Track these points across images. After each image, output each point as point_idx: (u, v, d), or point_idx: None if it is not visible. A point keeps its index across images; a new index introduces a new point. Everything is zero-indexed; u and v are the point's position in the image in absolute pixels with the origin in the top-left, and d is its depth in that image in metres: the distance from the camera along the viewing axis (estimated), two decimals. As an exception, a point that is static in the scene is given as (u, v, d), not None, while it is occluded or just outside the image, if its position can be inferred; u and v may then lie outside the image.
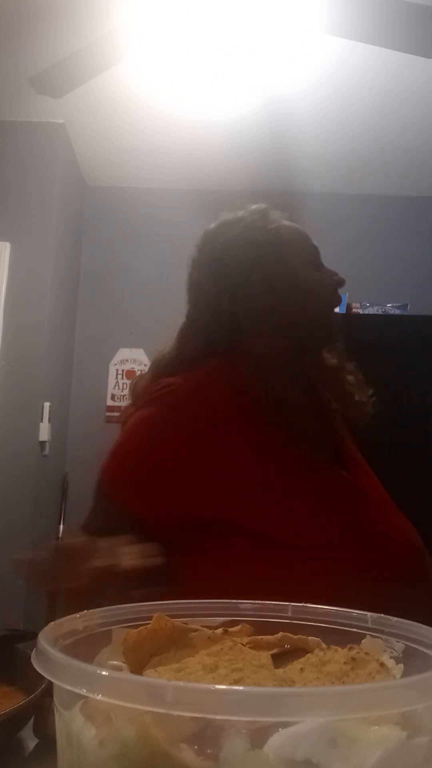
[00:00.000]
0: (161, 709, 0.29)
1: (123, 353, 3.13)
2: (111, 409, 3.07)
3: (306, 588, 0.57)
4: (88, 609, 0.43)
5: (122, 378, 3.11)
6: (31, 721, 0.61)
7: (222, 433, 0.93)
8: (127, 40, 1.83)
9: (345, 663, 0.37)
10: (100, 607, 0.44)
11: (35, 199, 2.75)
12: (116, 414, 3.06)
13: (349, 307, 2.75)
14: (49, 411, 2.67)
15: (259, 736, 0.30)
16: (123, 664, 0.41)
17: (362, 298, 2.84)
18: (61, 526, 2.86)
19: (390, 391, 2.19)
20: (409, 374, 2.37)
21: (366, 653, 0.38)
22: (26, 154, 2.78)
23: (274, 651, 0.42)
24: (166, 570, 0.78)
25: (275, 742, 0.30)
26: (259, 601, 0.48)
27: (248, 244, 1.02)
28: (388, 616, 0.43)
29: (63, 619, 0.42)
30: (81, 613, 0.43)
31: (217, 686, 0.34)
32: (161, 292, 3.06)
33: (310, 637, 0.44)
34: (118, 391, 3.10)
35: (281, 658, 0.41)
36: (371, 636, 0.42)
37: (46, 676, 0.33)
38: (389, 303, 2.83)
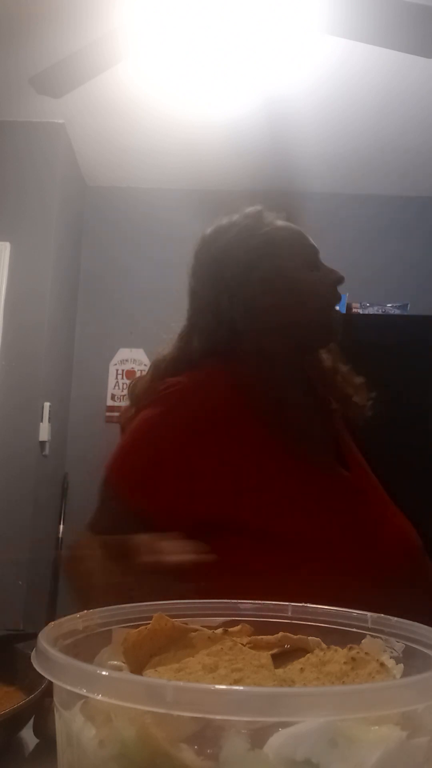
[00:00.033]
0: (161, 709, 0.29)
1: (123, 353, 3.13)
2: (111, 409, 3.07)
3: (306, 588, 0.57)
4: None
5: (122, 378, 3.11)
6: (31, 721, 0.61)
7: (225, 433, 0.93)
8: (127, 40, 1.83)
9: (345, 663, 0.37)
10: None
11: (35, 199, 2.75)
12: (116, 414, 3.06)
13: (349, 307, 2.75)
14: (49, 411, 2.67)
15: (259, 736, 0.30)
16: (123, 664, 0.41)
17: (362, 298, 2.84)
18: (61, 526, 2.86)
19: (390, 391, 2.19)
20: (409, 374, 2.37)
21: (366, 653, 0.38)
22: (26, 154, 2.78)
23: (274, 651, 0.42)
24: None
25: (275, 742, 0.29)
26: (259, 601, 0.48)
27: (241, 248, 1.03)
28: (388, 616, 0.43)
29: (63, 619, 0.42)
30: (81, 613, 0.43)
31: (217, 686, 0.34)
32: (161, 292, 3.06)
33: (310, 637, 0.44)
34: (118, 391, 3.10)
35: (281, 658, 0.41)
36: (371, 636, 0.42)
37: (46, 676, 0.33)
38: (389, 303, 2.84)
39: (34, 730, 0.60)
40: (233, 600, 0.49)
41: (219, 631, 0.43)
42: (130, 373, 3.10)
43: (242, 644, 0.41)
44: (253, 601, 0.48)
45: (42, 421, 2.63)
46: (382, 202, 3.24)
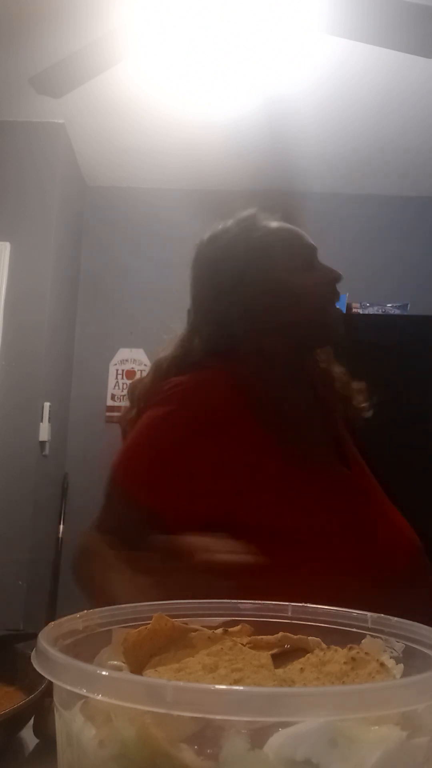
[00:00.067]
0: (161, 709, 0.29)
1: (123, 353, 3.13)
2: (111, 409, 3.07)
3: (306, 587, 0.57)
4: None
5: (122, 378, 3.11)
6: (31, 721, 0.61)
7: (229, 432, 0.94)
8: (127, 40, 1.83)
9: (345, 663, 0.37)
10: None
11: (35, 199, 2.75)
12: (116, 414, 3.05)
13: (349, 307, 2.75)
14: (49, 411, 2.67)
15: (259, 736, 0.30)
16: (123, 664, 0.41)
17: (362, 298, 2.84)
18: (61, 526, 2.86)
19: (390, 391, 2.19)
20: (409, 374, 2.37)
21: (366, 653, 0.38)
22: (26, 154, 2.78)
23: (274, 651, 0.42)
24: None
25: (275, 742, 0.29)
26: (259, 601, 0.48)
27: (234, 254, 1.04)
28: (388, 616, 0.43)
29: (63, 619, 0.42)
30: (81, 613, 0.43)
31: (217, 686, 0.34)
32: (161, 292, 3.06)
33: (310, 637, 0.44)
34: (118, 391, 3.10)
35: (281, 658, 0.41)
36: (371, 636, 0.42)
37: (46, 676, 0.33)
38: (389, 303, 2.84)
39: (34, 730, 0.60)
40: (233, 600, 0.49)
41: (219, 631, 0.43)
42: (130, 373, 3.10)
43: (242, 644, 0.41)
44: (253, 601, 0.48)
45: (42, 421, 2.63)
46: (382, 202, 3.24)
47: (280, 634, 0.44)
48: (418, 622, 0.42)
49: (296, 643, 0.43)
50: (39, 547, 2.63)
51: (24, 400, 2.61)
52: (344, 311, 2.66)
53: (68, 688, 0.32)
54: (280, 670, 0.38)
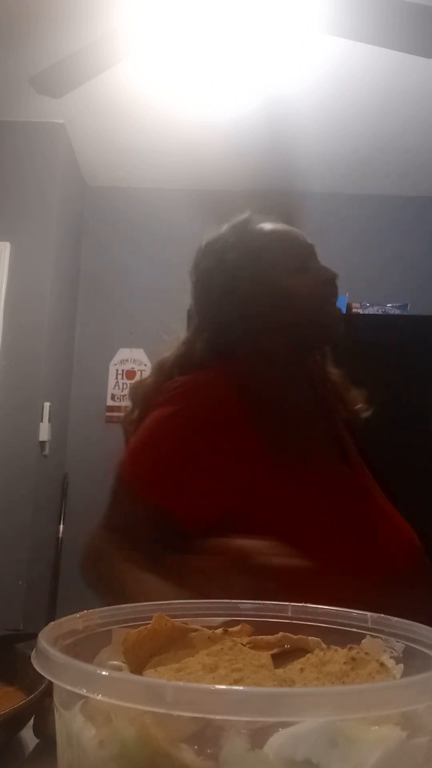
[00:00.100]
0: (161, 709, 0.29)
1: (123, 353, 3.13)
2: (111, 409, 3.07)
3: (309, 586, 0.57)
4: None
5: (122, 378, 3.11)
6: (31, 721, 0.61)
7: (233, 430, 0.95)
8: (127, 40, 1.83)
9: (345, 663, 0.37)
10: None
11: (35, 199, 2.75)
12: (116, 414, 3.05)
13: (349, 307, 2.75)
14: (49, 411, 2.67)
15: (259, 736, 0.30)
16: (123, 664, 0.41)
17: (362, 298, 2.84)
18: (61, 526, 2.86)
19: (390, 391, 2.19)
20: (409, 374, 2.37)
21: (366, 653, 0.38)
22: (26, 154, 2.78)
23: (274, 651, 0.42)
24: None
25: (275, 742, 0.29)
26: (259, 601, 0.48)
27: (227, 260, 1.07)
28: (388, 616, 0.43)
29: (63, 619, 0.42)
30: (81, 613, 0.43)
31: (217, 686, 0.34)
32: (161, 292, 3.06)
33: (310, 637, 0.44)
34: (118, 391, 3.10)
35: (281, 658, 0.41)
36: (371, 636, 0.42)
37: (46, 676, 0.33)
38: (389, 303, 2.83)
39: (34, 730, 0.60)
40: (233, 600, 0.49)
41: (219, 631, 0.43)
42: (130, 373, 3.10)
43: (242, 644, 0.41)
44: (253, 601, 0.48)
45: (42, 421, 2.63)
46: (382, 202, 3.24)
47: (280, 634, 0.44)
48: (418, 622, 0.42)
49: (296, 643, 0.43)
50: (39, 547, 2.63)
51: (24, 400, 2.61)
52: (344, 311, 2.66)
53: (68, 688, 0.32)
54: (280, 670, 0.38)
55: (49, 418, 2.66)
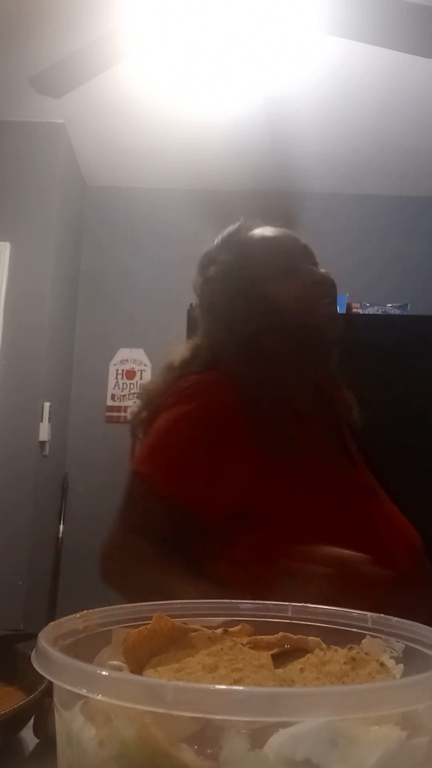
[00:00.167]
0: (161, 709, 0.29)
1: (123, 353, 3.13)
2: (111, 409, 3.07)
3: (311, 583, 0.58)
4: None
5: (122, 378, 3.11)
6: (31, 721, 0.61)
7: (241, 429, 0.97)
8: (127, 40, 1.83)
9: (345, 663, 0.37)
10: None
11: (35, 199, 2.75)
12: (116, 414, 3.06)
13: (349, 307, 2.75)
14: (49, 411, 2.67)
15: (259, 736, 0.30)
16: (123, 664, 0.41)
17: (362, 298, 2.84)
18: (61, 526, 2.86)
19: (390, 391, 2.19)
20: (409, 374, 2.37)
21: (366, 653, 0.38)
22: (26, 154, 2.78)
23: (274, 651, 0.42)
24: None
25: (275, 742, 0.29)
26: (259, 601, 0.48)
27: (220, 269, 1.11)
28: (388, 616, 0.43)
29: (63, 619, 0.42)
30: (81, 613, 0.43)
31: (217, 686, 0.34)
32: (161, 292, 3.06)
33: (310, 637, 0.44)
34: (118, 391, 3.10)
35: (281, 658, 0.41)
36: (371, 636, 0.42)
37: (46, 676, 0.33)
38: (389, 303, 2.83)
39: (34, 730, 0.60)
40: (233, 600, 0.49)
41: (219, 631, 0.43)
42: (130, 373, 3.10)
43: (242, 644, 0.41)
44: (253, 601, 0.48)
45: (42, 421, 2.63)
46: (382, 202, 3.24)
47: (280, 634, 0.44)
48: (418, 622, 0.42)
49: (296, 643, 0.43)
50: (39, 547, 2.63)
51: (24, 400, 2.61)
52: (344, 311, 2.66)
53: (68, 688, 0.32)
54: (280, 670, 0.38)
55: (49, 418, 2.66)
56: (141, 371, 3.10)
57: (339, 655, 0.38)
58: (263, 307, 1.06)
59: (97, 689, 0.31)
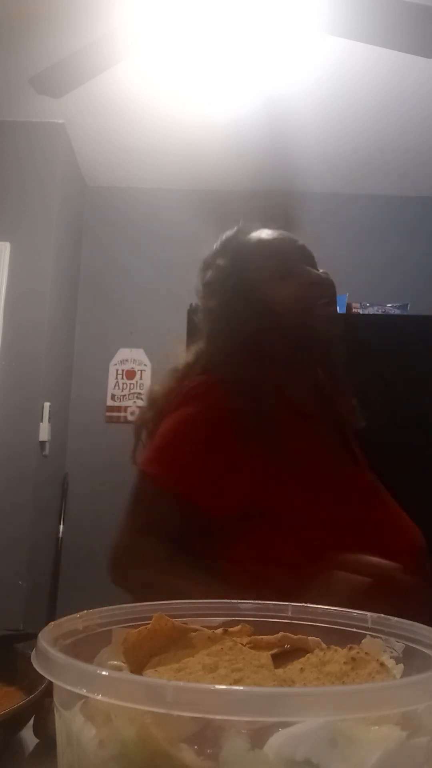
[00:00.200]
0: (161, 709, 0.29)
1: (123, 353, 3.13)
2: (111, 409, 3.07)
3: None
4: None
5: (122, 378, 3.11)
6: (31, 721, 0.61)
7: (246, 428, 0.98)
8: (127, 40, 1.83)
9: (345, 663, 0.37)
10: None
11: (35, 199, 2.75)
12: (116, 414, 3.06)
13: (349, 307, 2.75)
14: (49, 411, 2.67)
15: (259, 736, 0.30)
16: (123, 664, 0.41)
17: (362, 298, 2.84)
18: (61, 526, 2.86)
19: (390, 391, 2.19)
20: (409, 374, 2.37)
21: (366, 653, 0.38)
22: (26, 154, 2.78)
23: (274, 651, 0.42)
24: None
25: (275, 742, 0.29)
26: (259, 601, 0.48)
27: (217, 274, 1.14)
28: (388, 616, 0.43)
29: (63, 619, 0.42)
30: (81, 613, 0.43)
31: (217, 686, 0.34)
32: (161, 292, 3.07)
33: (310, 637, 0.44)
34: (118, 391, 3.10)
35: (281, 658, 0.41)
36: (371, 636, 0.42)
37: (46, 676, 0.33)
38: (389, 303, 2.83)
39: (34, 730, 0.60)
40: (233, 600, 0.49)
41: (219, 631, 0.43)
42: (130, 373, 3.10)
43: (242, 644, 0.41)
44: (253, 601, 0.48)
45: (42, 421, 2.63)
46: (382, 202, 3.24)
47: (280, 634, 0.44)
48: (418, 622, 0.42)
49: (296, 643, 0.43)
50: (39, 547, 2.63)
51: (24, 400, 2.61)
52: (344, 311, 2.66)
53: (68, 688, 0.32)
54: (280, 670, 0.38)
55: (49, 418, 2.66)
56: (141, 371, 3.10)
57: (339, 655, 0.38)
58: (261, 308, 1.07)
59: (97, 689, 0.31)
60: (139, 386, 3.08)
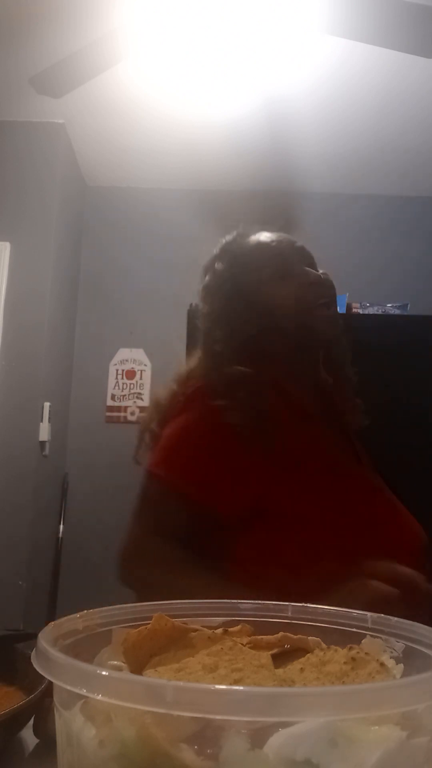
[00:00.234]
0: (161, 709, 0.29)
1: (123, 353, 3.13)
2: (111, 409, 3.07)
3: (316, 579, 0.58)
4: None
5: (122, 378, 3.11)
6: (31, 721, 0.61)
7: (248, 429, 0.98)
8: (127, 40, 1.83)
9: (345, 663, 0.37)
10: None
11: (35, 199, 2.75)
12: (116, 414, 3.06)
13: (349, 307, 2.75)
14: (49, 411, 2.67)
15: (259, 736, 0.30)
16: (123, 664, 0.41)
17: (362, 298, 2.84)
18: (61, 526, 2.86)
19: (390, 391, 2.19)
20: (409, 374, 2.37)
21: (366, 653, 0.38)
22: (26, 154, 2.78)
23: (274, 651, 0.42)
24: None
25: (275, 742, 0.29)
26: (259, 601, 0.48)
27: (215, 278, 1.15)
28: (388, 616, 0.43)
29: (63, 619, 0.42)
30: (81, 613, 0.43)
31: (217, 686, 0.34)
32: (161, 292, 3.07)
33: (310, 637, 0.44)
34: (118, 391, 3.10)
35: (281, 658, 0.41)
36: (371, 636, 0.42)
37: (46, 676, 0.33)
38: (389, 303, 2.83)
39: (34, 730, 0.60)
40: (233, 600, 0.49)
41: (219, 631, 0.43)
42: (130, 373, 3.10)
43: (242, 644, 0.41)
44: (253, 601, 0.48)
45: (42, 421, 2.63)
46: (382, 202, 3.24)
47: (280, 634, 0.44)
48: (418, 622, 0.42)
49: (296, 643, 0.43)
50: (39, 547, 2.63)
51: (24, 400, 2.61)
52: (344, 311, 2.66)
53: (68, 688, 0.32)
54: (280, 670, 0.38)
55: (49, 418, 2.66)
56: (141, 371, 3.10)
57: (339, 655, 0.38)
58: (260, 309, 1.08)
59: (97, 689, 0.31)
60: (139, 386, 3.08)
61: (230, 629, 0.44)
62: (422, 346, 2.49)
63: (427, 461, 2.31)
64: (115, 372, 3.12)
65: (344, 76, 2.41)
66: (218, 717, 0.30)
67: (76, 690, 0.31)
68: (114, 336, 3.14)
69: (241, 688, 0.34)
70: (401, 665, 0.39)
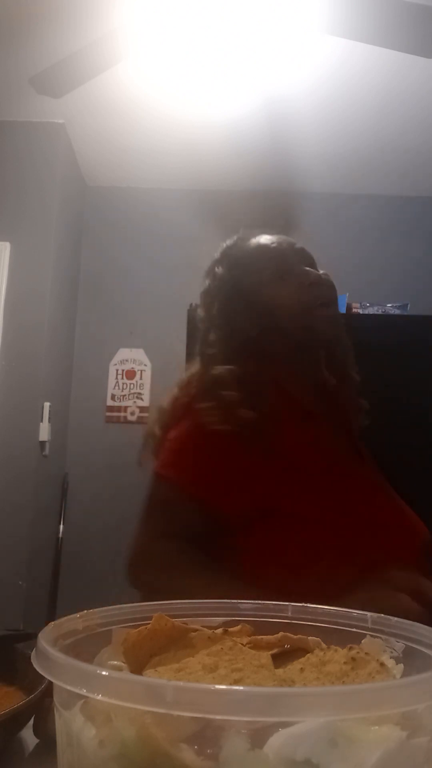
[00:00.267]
0: (161, 709, 0.29)
1: (123, 353, 3.13)
2: (111, 409, 3.07)
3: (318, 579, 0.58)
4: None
5: (122, 378, 3.11)
6: (31, 721, 0.61)
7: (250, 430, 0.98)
8: (127, 40, 1.83)
9: (345, 663, 0.37)
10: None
11: (35, 199, 2.75)
12: (116, 414, 3.06)
13: (349, 307, 2.75)
14: (49, 411, 2.67)
15: (259, 736, 0.30)
16: (123, 664, 0.41)
17: (362, 298, 2.84)
18: (61, 526, 2.86)
19: (390, 391, 2.19)
20: (409, 374, 2.37)
21: (366, 653, 0.38)
22: (26, 154, 2.78)
23: (274, 651, 0.42)
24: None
25: (275, 742, 0.29)
26: (259, 601, 0.48)
27: (216, 281, 1.16)
28: (388, 616, 0.43)
29: (63, 619, 0.42)
30: (81, 613, 0.43)
31: (217, 686, 0.34)
32: (161, 292, 3.07)
33: (310, 637, 0.44)
34: (118, 391, 3.10)
35: (281, 658, 0.41)
36: (371, 636, 0.42)
37: (46, 676, 0.33)
38: (389, 303, 2.83)
39: (34, 730, 0.60)
40: (233, 600, 0.49)
41: (219, 631, 0.43)
42: (130, 373, 3.10)
43: (242, 644, 0.41)
44: (253, 601, 0.48)
45: (42, 421, 2.63)
46: (382, 202, 3.24)
47: (280, 634, 0.44)
48: (418, 622, 0.42)
49: (296, 643, 0.43)
50: (39, 547, 2.63)
51: (24, 400, 2.61)
52: (344, 311, 2.66)
53: (68, 688, 0.32)
54: (280, 670, 0.38)
55: (49, 418, 2.66)
56: (141, 371, 3.10)
57: (339, 655, 0.38)
58: (261, 309, 1.09)
59: (97, 689, 0.31)
60: (139, 386, 3.08)
61: (230, 629, 0.44)
62: (422, 346, 2.49)
63: (427, 461, 2.31)
64: (115, 372, 3.12)
65: (344, 76, 2.41)
66: (218, 717, 0.30)
67: (76, 690, 0.31)
68: (114, 336, 3.14)
69: (241, 688, 0.34)
70: (401, 665, 0.39)
